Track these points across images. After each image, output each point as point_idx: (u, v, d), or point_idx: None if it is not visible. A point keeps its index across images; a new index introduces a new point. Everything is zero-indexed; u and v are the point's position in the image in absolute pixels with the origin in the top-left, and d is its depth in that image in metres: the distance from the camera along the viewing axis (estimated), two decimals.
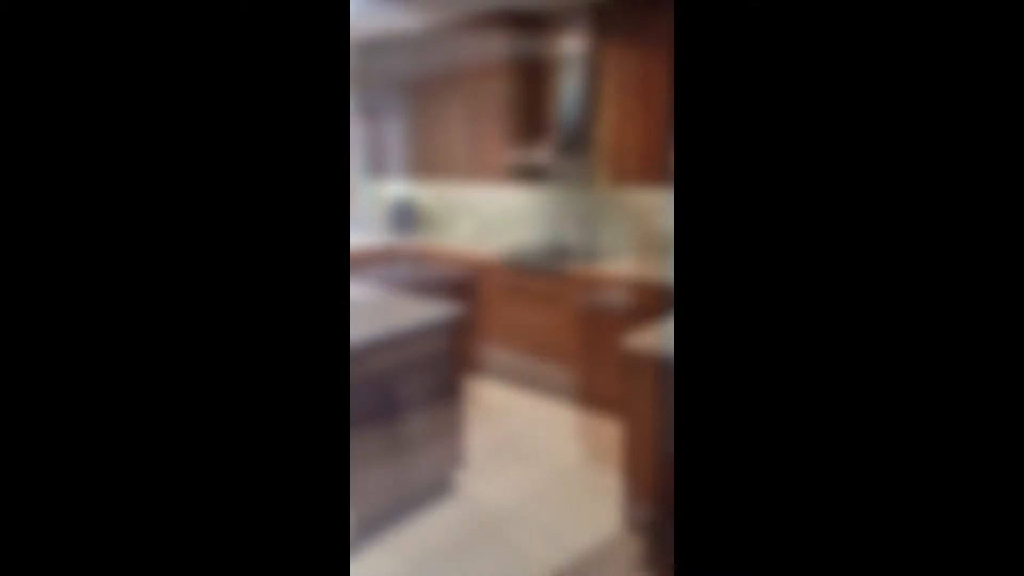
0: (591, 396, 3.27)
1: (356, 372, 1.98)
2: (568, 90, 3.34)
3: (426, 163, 4.05)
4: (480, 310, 3.64)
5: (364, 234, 4.52)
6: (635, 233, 3.46)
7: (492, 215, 4.14)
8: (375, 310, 2.27)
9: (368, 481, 2.09)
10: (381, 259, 4.03)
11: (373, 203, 4.58)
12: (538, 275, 3.31)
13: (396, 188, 4.64)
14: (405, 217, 4.38)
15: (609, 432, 3.00)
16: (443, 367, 2.31)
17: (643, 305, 2.90)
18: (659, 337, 1.86)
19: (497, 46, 3.47)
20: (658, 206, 3.33)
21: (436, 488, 2.47)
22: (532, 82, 3.64)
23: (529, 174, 3.74)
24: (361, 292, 2.58)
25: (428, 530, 2.23)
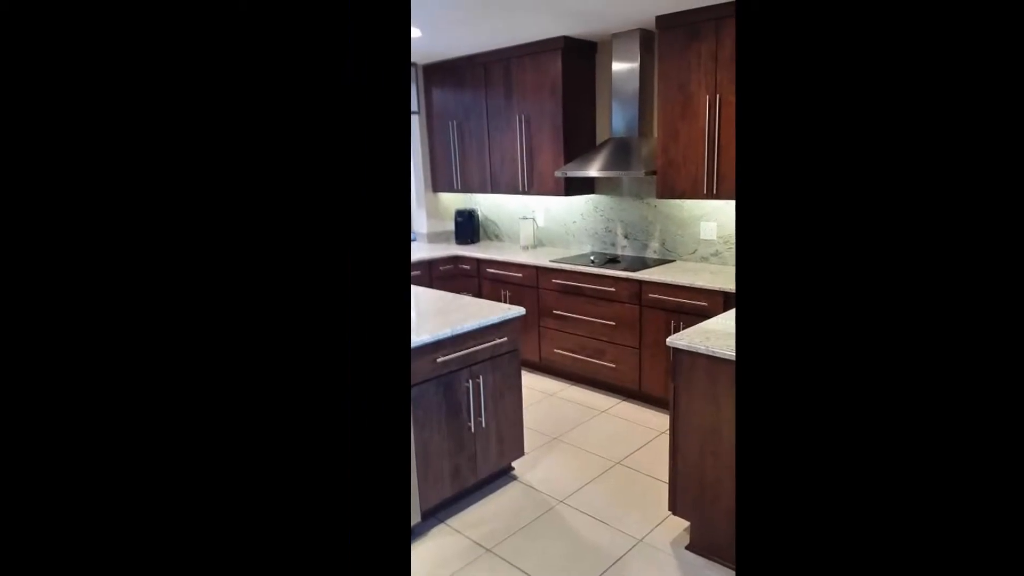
0: (642, 391, 3.44)
1: (424, 368, 2.23)
2: (619, 109, 3.53)
3: (487, 176, 4.31)
4: (539, 311, 3.86)
5: (431, 243, 4.81)
6: (680, 240, 3.60)
7: (548, 224, 4.36)
8: (441, 311, 2.51)
9: (434, 469, 2.33)
10: (447, 265, 4.30)
11: (438, 215, 4.87)
12: (592, 279, 3.51)
13: (460, 200, 4.93)
14: (468, 227, 4.65)
15: (658, 424, 3.15)
16: (504, 363, 2.53)
17: (688, 306, 3.05)
18: (702, 336, 2.02)
19: (553, 67, 3.70)
20: (700, 215, 3.47)
21: (497, 476, 2.70)
22: (585, 101, 3.85)
23: (583, 186, 3.95)
24: (428, 295, 2.83)
25: (489, 514, 2.45)
